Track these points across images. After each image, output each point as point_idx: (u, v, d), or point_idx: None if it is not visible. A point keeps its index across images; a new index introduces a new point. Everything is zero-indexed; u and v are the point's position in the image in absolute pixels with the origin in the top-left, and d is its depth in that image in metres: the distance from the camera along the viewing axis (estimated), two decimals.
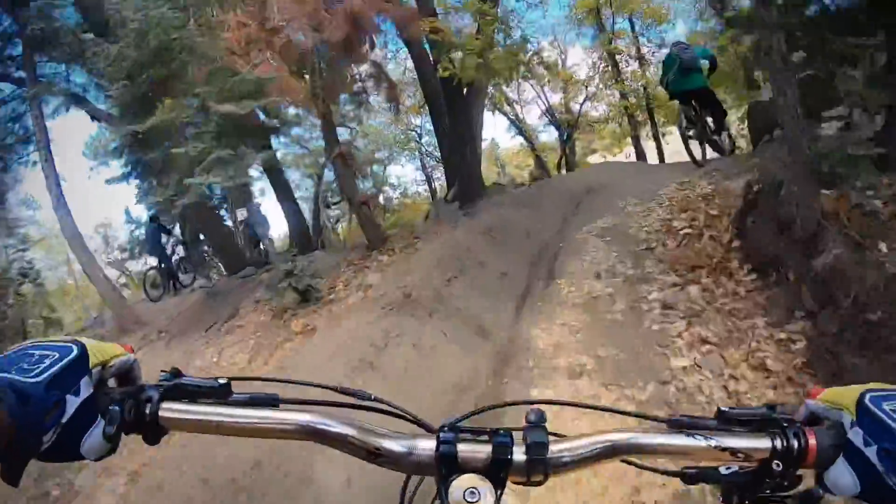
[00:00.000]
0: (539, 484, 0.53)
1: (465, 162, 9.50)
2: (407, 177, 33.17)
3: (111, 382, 0.59)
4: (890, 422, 0.49)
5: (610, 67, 16.83)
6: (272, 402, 0.59)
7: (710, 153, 7.45)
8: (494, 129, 53.88)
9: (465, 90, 9.01)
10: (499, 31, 8.59)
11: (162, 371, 0.59)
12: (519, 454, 0.52)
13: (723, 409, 0.56)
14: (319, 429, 0.56)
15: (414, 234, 7.71)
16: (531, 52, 12.59)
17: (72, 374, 0.53)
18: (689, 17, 16.82)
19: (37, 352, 0.53)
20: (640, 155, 16.84)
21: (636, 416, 0.56)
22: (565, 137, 17.86)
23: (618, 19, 16.85)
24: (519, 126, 18.94)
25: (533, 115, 32.06)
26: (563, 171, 16.53)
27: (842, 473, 0.53)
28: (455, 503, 0.50)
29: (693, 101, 7.17)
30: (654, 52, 16.67)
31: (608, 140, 19.68)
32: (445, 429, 0.53)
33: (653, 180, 7.25)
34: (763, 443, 0.54)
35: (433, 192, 20.89)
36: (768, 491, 0.56)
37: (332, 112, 7.49)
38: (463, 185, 9.78)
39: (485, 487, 0.51)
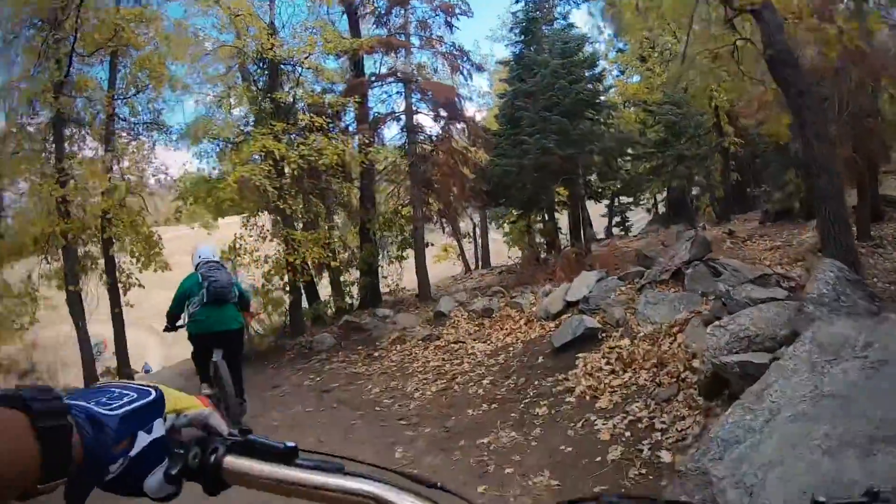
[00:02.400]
0: None
1: None
2: None
3: (192, 431, 0.61)
4: None
5: None
6: (338, 469, 0.56)
7: None
8: None
9: None
10: None
11: (232, 430, 0.60)
12: None
13: (821, 499, 0.52)
14: (385, 499, 0.52)
15: None
16: None
17: (147, 413, 0.56)
18: None
19: (117, 390, 0.56)
20: None
21: None
22: None
23: None
24: None
25: None
26: None
27: None
28: None
29: (219, 351, 4.81)
30: None
31: None
32: None
33: None
34: None
35: None
36: None
37: None
38: None
39: None
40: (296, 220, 11.11)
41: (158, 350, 20.69)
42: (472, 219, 20.57)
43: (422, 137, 12.76)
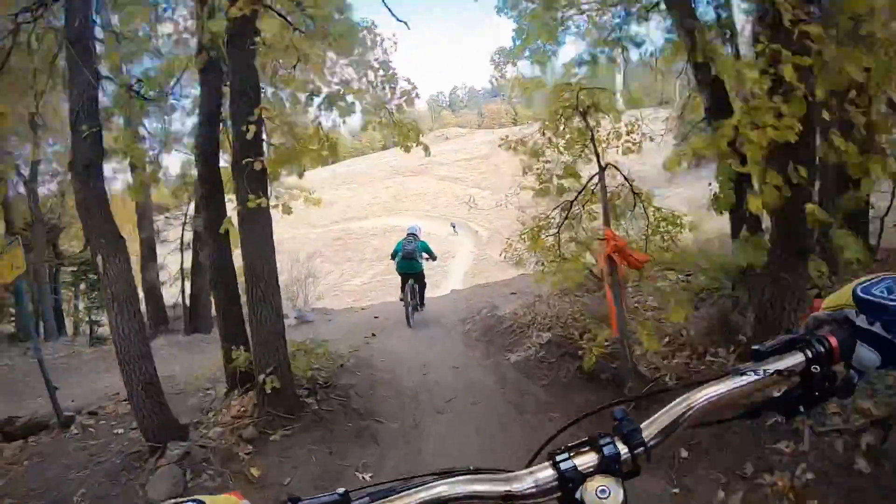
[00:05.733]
0: (637, 468, 0.60)
1: None
2: None
3: None
4: (883, 301, 0.66)
5: None
6: (391, 492, 0.60)
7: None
8: None
9: None
10: None
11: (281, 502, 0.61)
12: (621, 446, 0.60)
13: (755, 346, 0.66)
14: (452, 496, 0.59)
15: None
16: None
17: None
18: None
19: None
20: None
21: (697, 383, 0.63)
22: None
23: None
24: None
25: None
26: None
27: (863, 353, 0.68)
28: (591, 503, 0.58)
29: (411, 281, 9.26)
30: None
31: None
32: (560, 450, 0.60)
33: None
34: (798, 357, 0.66)
35: None
36: (817, 394, 0.67)
37: None
38: None
39: (609, 481, 0.59)
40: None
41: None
42: None
43: None
